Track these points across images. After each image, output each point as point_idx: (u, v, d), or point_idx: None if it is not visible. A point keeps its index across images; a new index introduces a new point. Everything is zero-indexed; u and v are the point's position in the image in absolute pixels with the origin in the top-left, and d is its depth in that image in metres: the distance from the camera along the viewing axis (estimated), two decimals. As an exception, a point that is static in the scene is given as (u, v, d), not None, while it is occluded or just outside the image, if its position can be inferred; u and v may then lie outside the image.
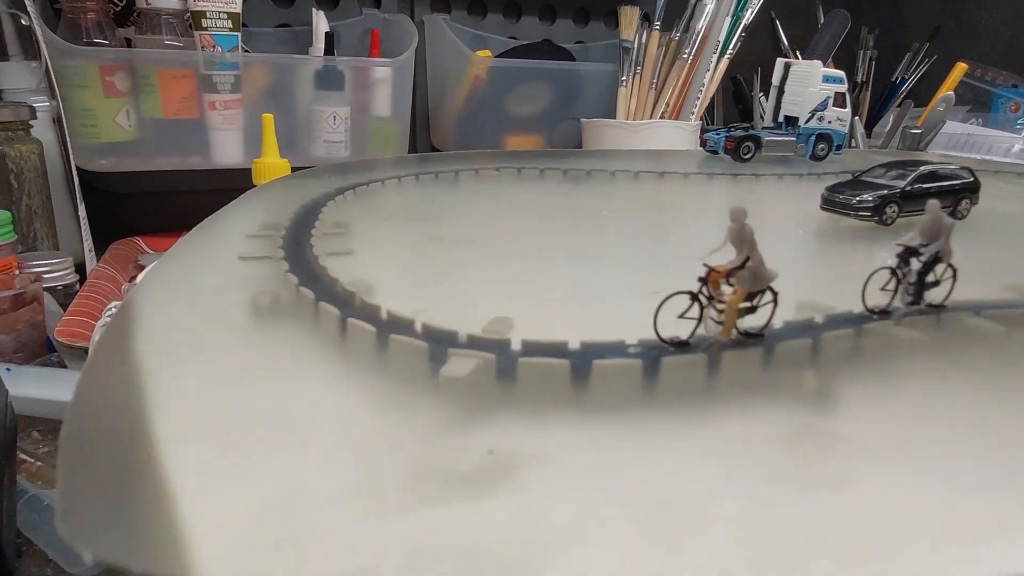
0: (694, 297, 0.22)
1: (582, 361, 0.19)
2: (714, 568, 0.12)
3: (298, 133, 0.87)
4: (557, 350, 0.20)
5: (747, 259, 0.22)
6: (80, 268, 0.68)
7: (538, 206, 0.44)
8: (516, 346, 0.20)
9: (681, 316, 0.21)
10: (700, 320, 0.22)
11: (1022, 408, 0.20)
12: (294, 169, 0.68)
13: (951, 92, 0.95)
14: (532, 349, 0.20)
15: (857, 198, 0.39)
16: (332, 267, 0.27)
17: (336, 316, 0.22)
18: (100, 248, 0.74)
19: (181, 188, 0.84)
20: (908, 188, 0.40)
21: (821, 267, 0.34)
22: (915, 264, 0.26)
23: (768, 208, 0.48)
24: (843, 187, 0.41)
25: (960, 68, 0.98)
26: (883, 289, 0.26)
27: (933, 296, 0.26)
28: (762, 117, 1.17)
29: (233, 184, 0.86)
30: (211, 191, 0.88)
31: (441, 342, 0.21)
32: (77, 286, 0.65)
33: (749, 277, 0.21)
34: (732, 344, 0.21)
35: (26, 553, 0.33)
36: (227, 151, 0.85)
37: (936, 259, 0.26)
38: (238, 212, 0.37)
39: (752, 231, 0.22)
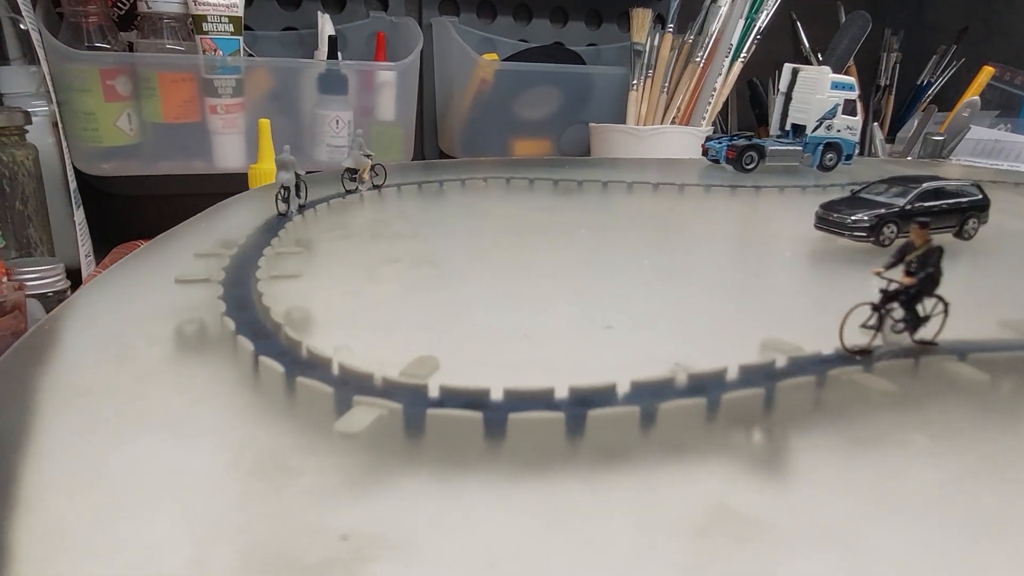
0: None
1: (497, 414, 0.18)
2: None
3: (301, 137, 0.87)
4: (474, 400, 0.18)
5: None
6: (77, 274, 0.68)
7: (516, 222, 0.42)
8: (433, 393, 0.19)
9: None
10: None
11: (998, 484, 0.17)
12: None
13: (976, 97, 0.90)
14: (448, 397, 0.19)
15: (852, 217, 0.37)
16: (271, 292, 0.26)
17: (250, 352, 0.21)
18: (104, 252, 0.74)
19: (184, 192, 0.84)
20: (908, 207, 0.37)
21: (804, 296, 0.32)
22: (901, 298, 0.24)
23: (761, 225, 0.45)
24: (839, 204, 0.39)
25: (987, 72, 0.94)
26: (864, 327, 0.23)
27: (922, 333, 0.24)
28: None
29: (236, 188, 0.86)
30: (215, 195, 0.88)
31: (352, 387, 0.19)
32: (68, 293, 0.65)
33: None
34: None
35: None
36: (229, 155, 0.84)
37: (922, 291, 0.23)
38: (199, 226, 0.36)
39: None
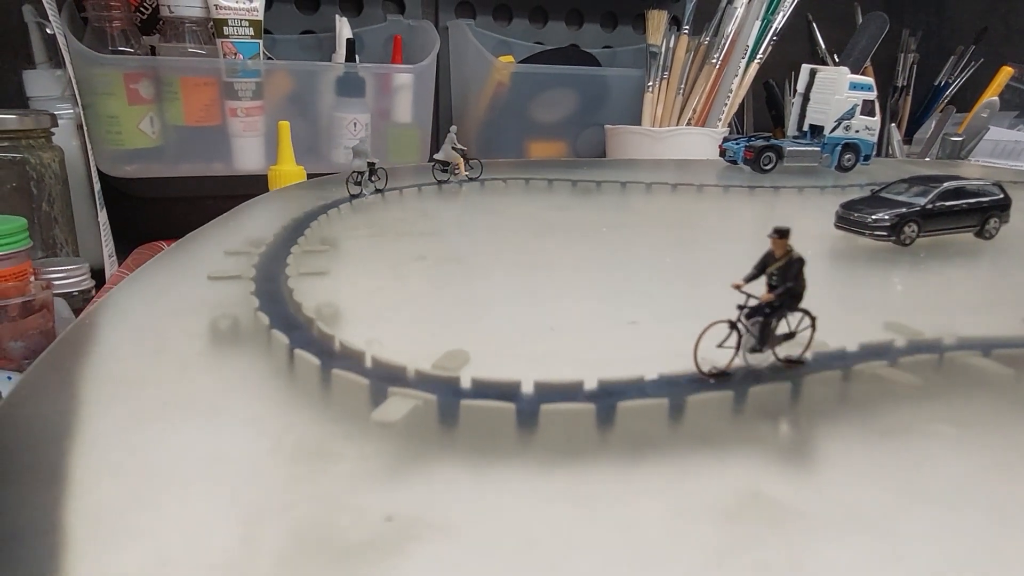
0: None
1: (529, 405, 0.18)
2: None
3: (319, 140, 0.87)
4: (506, 391, 0.19)
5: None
6: (100, 274, 0.69)
7: (537, 221, 0.43)
8: (465, 385, 0.19)
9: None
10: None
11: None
12: (312, 176, 0.68)
13: (995, 97, 0.90)
14: (480, 389, 0.19)
15: (873, 216, 0.37)
16: (301, 289, 0.26)
17: (285, 345, 0.21)
18: (126, 253, 0.75)
19: (205, 194, 0.85)
20: (929, 206, 0.38)
21: (826, 295, 0.32)
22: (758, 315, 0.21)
23: (780, 224, 0.45)
24: (859, 204, 0.39)
25: (1006, 72, 0.93)
26: (721, 346, 0.21)
27: (790, 351, 0.22)
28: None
29: (255, 190, 0.87)
30: (235, 197, 0.89)
31: (386, 378, 0.19)
32: (93, 292, 0.66)
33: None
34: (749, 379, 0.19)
35: None
36: (249, 157, 0.85)
37: (787, 305, 0.22)
38: (226, 225, 0.37)
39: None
